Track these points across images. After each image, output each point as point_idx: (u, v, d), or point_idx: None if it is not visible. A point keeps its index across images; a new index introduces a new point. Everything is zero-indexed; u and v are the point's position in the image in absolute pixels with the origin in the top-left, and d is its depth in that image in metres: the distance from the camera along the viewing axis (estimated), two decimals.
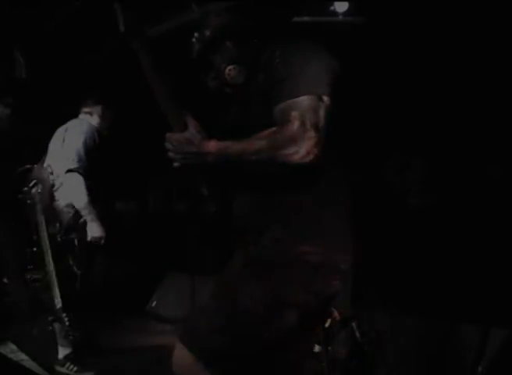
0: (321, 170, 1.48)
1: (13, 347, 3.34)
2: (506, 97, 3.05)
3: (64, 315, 2.90)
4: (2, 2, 3.42)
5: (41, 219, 2.88)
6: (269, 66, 1.49)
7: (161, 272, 4.58)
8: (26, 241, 3.25)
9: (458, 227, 3.18)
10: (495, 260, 2.91)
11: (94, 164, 2.97)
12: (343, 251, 1.57)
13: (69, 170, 2.90)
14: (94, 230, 2.98)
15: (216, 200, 1.65)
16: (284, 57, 1.48)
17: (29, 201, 2.90)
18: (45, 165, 3.05)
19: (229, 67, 1.56)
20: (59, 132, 3.12)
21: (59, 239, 2.92)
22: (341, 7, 3.32)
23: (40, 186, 2.91)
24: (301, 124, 1.37)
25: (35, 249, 2.97)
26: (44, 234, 2.88)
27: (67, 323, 2.91)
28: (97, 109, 3.15)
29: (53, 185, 2.97)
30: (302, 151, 1.36)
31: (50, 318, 2.96)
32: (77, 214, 2.97)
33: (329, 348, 2.46)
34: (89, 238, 2.97)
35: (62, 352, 3.07)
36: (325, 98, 1.43)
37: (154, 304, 4.37)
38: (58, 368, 3.05)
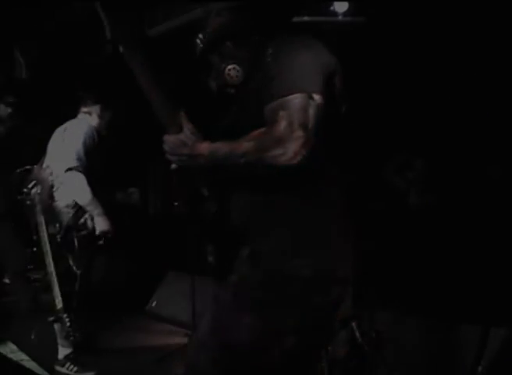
0: (316, 171, 1.44)
1: (13, 347, 3.35)
2: (506, 97, 3.05)
3: (64, 315, 2.90)
4: (2, 2, 3.43)
5: (41, 219, 2.88)
6: (263, 65, 1.45)
7: (161, 272, 4.58)
8: (27, 242, 3.26)
9: (458, 227, 3.17)
10: (495, 260, 2.91)
11: (93, 164, 2.97)
12: (340, 258, 1.49)
13: (69, 169, 2.90)
14: (101, 224, 3.00)
15: (216, 200, 1.65)
16: (275, 55, 1.44)
17: (28, 202, 2.90)
18: (45, 165, 3.05)
19: (229, 67, 1.55)
20: (58, 132, 3.13)
21: (59, 239, 2.92)
22: (341, 7, 3.32)
23: (39, 186, 2.92)
24: (288, 124, 1.32)
25: (35, 249, 2.98)
26: (44, 235, 2.88)
27: (67, 324, 2.92)
28: (96, 109, 3.14)
29: (52, 185, 2.98)
30: (289, 152, 1.31)
31: (50, 318, 2.96)
32: (77, 214, 2.97)
33: (329, 348, 2.47)
34: (97, 232, 2.99)
35: (62, 352, 3.07)
36: (316, 97, 1.37)
37: (154, 304, 4.37)
38: (58, 368, 3.05)
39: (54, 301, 2.89)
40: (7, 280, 4.06)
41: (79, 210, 2.98)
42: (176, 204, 3.16)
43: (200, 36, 1.61)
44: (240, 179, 1.52)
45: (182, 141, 1.45)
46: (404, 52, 3.23)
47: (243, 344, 1.44)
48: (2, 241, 3.69)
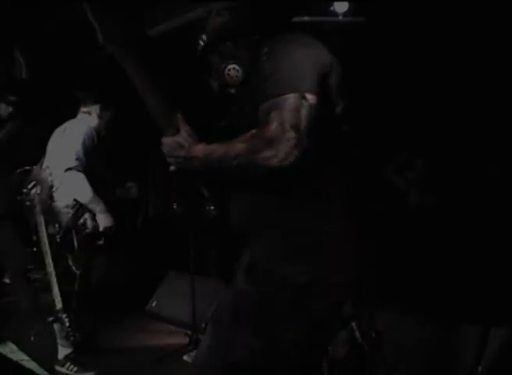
0: (315, 171, 1.42)
1: (13, 347, 3.34)
2: (505, 97, 3.05)
3: (64, 315, 2.90)
4: (2, 2, 3.43)
5: (41, 219, 2.88)
6: (259, 64, 1.42)
7: (161, 272, 4.58)
8: (26, 242, 3.26)
9: (458, 227, 3.17)
10: (495, 260, 2.91)
11: (92, 164, 2.97)
12: (341, 260, 1.46)
13: (69, 169, 2.90)
14: (104, 221, 3.00)
15: (216, 201, 1.64)
16: (270, 54, 1.41)
17: (28, 203, 2.90)
18: (44, 165, 3.05)
19: (229, 67, 1.54)
20: (58, 132, 3.13)
21: (58, 239, 2.92)
22: (341, 7, 3.32)
23: (39, 187, 2.92)
24: (280, 125, 1.29)
25: (35, 249, 2.98)
26: (44, 235, 2.88)
27: (67, 324, 2.91)
28: (95, 109, 3.14)
29: (52, 186, 2.98)
30: (280, 154, 1.28)
31: (50, 318, 2.96)
32: (76, 214, 2.97)
33: (329, 348, 2.47)
34: (101, 229, 2.99)
35: (62, 352, 3.08)
36: (309, 97, 1.34)
37: (154, 304, 4.37)
38: (58, 368, 3.06)
39: (53, 301, 2.89)
40: (7, 280, 4.06)
41: (78, 210, 2.98)
42: (174, 206, 3.16)
43: (201, 36, 1.60)
44: (239, 180, 1.50)
45: (178, 143, 1.45)
46: (404, 52, 3.23)
47: (245, 362, 1.42)
48: (2, 241, 3.69)
